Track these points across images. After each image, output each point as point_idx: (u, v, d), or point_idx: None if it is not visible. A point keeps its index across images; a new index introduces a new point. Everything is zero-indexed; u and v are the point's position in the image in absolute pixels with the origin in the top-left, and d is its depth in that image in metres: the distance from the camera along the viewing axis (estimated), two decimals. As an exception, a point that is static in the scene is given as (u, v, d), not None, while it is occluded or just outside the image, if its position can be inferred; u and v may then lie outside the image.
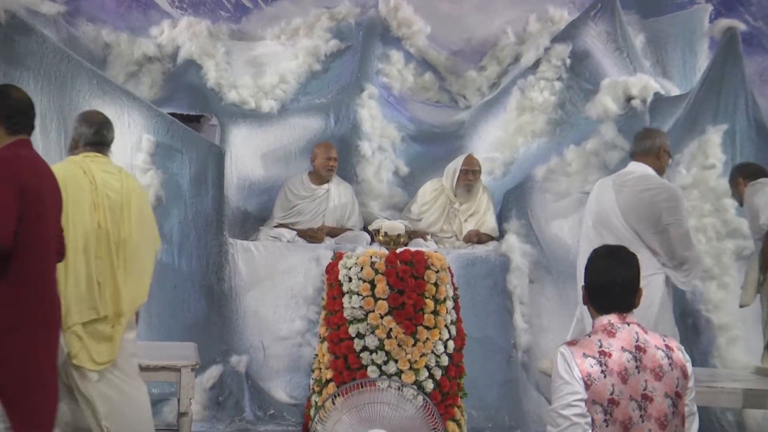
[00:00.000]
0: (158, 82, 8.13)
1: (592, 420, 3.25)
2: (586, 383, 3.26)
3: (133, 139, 6.73)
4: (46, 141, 6.55)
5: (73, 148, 4.71)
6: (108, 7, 8.29)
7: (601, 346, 3.33)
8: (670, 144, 5.94)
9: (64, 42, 7.42)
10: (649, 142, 5.68)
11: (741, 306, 6.16)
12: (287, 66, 8.31)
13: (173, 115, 7.19)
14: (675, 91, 8.24)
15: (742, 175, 6.40)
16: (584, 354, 3.31)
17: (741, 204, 6.47)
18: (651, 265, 5.34)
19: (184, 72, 8.11)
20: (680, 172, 7.25)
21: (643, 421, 3.28)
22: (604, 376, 3.27)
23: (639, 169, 5.62)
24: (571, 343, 3.39)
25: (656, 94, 7.77)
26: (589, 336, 3.41)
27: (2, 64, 6.59)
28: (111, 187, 4.54)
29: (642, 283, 3.53)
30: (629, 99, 7.74)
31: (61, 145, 6.45)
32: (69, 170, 4.47)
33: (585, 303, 3.54)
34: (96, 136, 4.64)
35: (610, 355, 3.30)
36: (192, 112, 7.83)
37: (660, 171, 5.67)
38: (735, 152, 7.02)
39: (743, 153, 7.32)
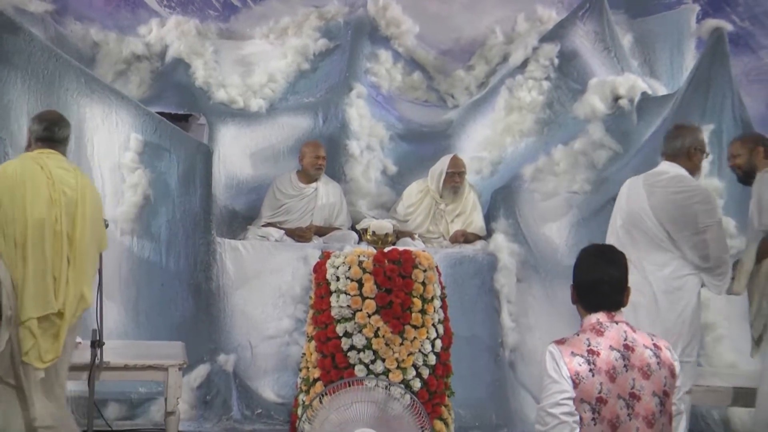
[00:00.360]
0: (146, 80, 8.12)
1: (580, 418, 3.26)
2: (574, 382, 3.27)
3: (121, 137, 6.70)
4: (34, 140, 6.52)
5: (28, 146, 4.79)
6: (96, 6, 8.28)
7: (589, 345, 3.34)
8: (659, 144, 5.82)
9: (52, 40, 7.38)
10: (679, 141, 5.47)
11: (729, 293, 5.93)
12: (276, 65, 8.32)
13: (161, 113, 7.16)
14: (662, 91, 8.26)
15: (764, 147, 5.79)
16: (572, 353, 3.32)
17: (733, 167, 5.94)
18: (686, 265, 5.30)
19: (173, 71, 8.10)
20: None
21: (630, 420, 3.29)
22: (593, 375, 3.28)
23: (672, 169, 5.42)
24: (560, 342, 3.40)
25: (644, 93, 7.80)
26: (578, 335, 3.42)
27: (-11, 63, 6.57)
28: (67, 183, 4.59)
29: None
30: (617, 99, 7.77)
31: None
32: (26, 165, 4.52)
33: (574, 302, 3.54)
34: (45, 132, 4.69)
35: (598, 354, 3.31)
36: (180, 111, 7.84)
37: (692, 171, 5.47)
38: (722, 152, 6.98)
39: (730, 152, 7.30)
